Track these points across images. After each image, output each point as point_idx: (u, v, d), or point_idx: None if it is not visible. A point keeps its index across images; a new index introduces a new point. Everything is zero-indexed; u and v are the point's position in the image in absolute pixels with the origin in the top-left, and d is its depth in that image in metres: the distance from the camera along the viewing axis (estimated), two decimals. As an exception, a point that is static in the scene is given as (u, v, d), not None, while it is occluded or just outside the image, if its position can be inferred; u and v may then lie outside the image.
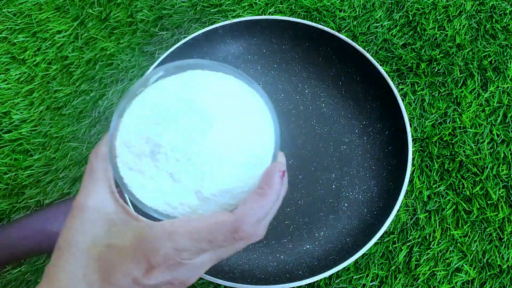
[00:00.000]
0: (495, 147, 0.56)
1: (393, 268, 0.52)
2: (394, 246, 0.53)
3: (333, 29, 0.57)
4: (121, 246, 0.31)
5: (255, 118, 0.33)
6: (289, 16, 0.61)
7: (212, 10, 0.63)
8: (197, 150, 0.31)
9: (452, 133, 0.57)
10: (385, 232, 0.52)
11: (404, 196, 0.50)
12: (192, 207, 0.32)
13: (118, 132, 0.33)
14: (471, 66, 0.60)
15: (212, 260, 0.31)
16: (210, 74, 0.34)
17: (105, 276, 0.31)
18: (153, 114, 0.33)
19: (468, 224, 0.53)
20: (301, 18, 0.60)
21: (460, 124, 0.57)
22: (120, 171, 0.33)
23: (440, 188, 0.55)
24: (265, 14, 0.63)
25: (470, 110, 0.58)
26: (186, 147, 0.31)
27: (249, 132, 0.32)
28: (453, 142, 0.57)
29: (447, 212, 0.54)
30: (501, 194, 0.54)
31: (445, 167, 0.55)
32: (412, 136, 0.55)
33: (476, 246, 0.52)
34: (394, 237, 0.53)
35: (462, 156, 0.56)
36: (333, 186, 0.54)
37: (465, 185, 0.54)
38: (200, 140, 0.31)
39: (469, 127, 0.57)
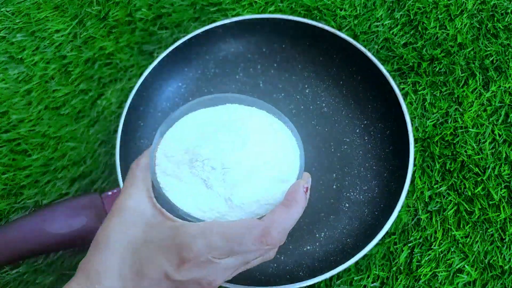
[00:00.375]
0: (497, 147, 0.56)
1: (394, 269, 0.51)
2: (395, 247, 0.52)
3: (334, 28, 0.57)
4: (156, 243, 0.33)
5: (284, 142, 0.37)
6: (289, 15, 0.60)
7: (211, 9, 0.63)
8: (232, 161, 0.34)
9: (454, 133, 0.57)
10: (386, 233, 0.52)
11: (405, 197, 0.50)
12: (221, 213, 0.35)
13: (159, 145, 0.37)
14: (473, 65, 0.60)
15: (239, 265, 0.34)
16: (246, 107, 0.39)
17: (138, 269, 0.33)
18: (193, 131, 0.37)
19: (470, 225, 0.53)
20: (302, 17, 0.59)
21: (462, 124, 0.57)
22: (158, 177, 0.36)
23: (441, 189, 0.54)
24: (265, 13, 0.62)
25: (471, 109, 0.58)
26: (222, 158, 0.34)
27: (278, 152, 0.37)
28: (454, 142, 0.56)
29: (449, 213, 0.53)
30: (503, 195, 0.54)
31: (447, 167, 0.55)
32: (414, 136, 0.55)
33: (478, 247, 0.52)
34: (395, 238, 0.53)
35: (464, 156, 0.55)
36: (334, 187, 0.54)
37: (467, 186, 0.54)
38: (236, 153, 0.35)
39: (471, 127, 0.57)
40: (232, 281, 0.46)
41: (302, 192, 0.35)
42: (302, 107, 0.57)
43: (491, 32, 0.62)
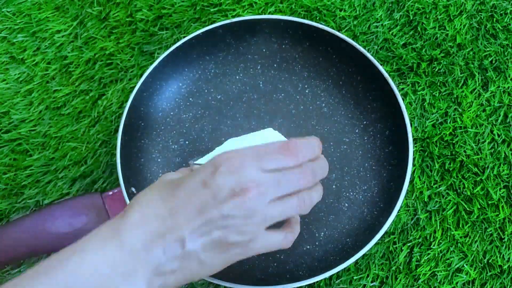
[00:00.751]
0: (496, 147, 0.56)
1: (393, 268, 0.52)
2: (394, 246, 0.52)
3: (334, 29, 0.57)
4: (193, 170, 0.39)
5: None
6: (289, 16, 0.61)
7: (212, 10, 0.63)
8: None
9: (453, 133, 0.57)
10: (386, 233, 0.52)
11: (405, 196, 0.50)
12: None
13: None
14: (472, 65, 0.60)
15: (274, 180, 0.36)
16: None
17: (176, 184, 0.36)
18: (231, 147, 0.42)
19: (469, 224, 0.53)
20: (301, 18, 0.59)
21: (461, 124, 0.57)
22: None
23: (440, 188, 0.55)
24: (265, 14, 0.63)
25: (470, 110, 0.58)
26: None
27: None
28: (453, 142, 0.56)
29: (448, 212, 0.53)
30: (502, 194, 0.54)
31: (446, 167, 0.55)
32: (413, 136, 0.55)
33: (477, 246, 0.52)
34: (395, 238, 0.53)
35: (463, 156, 0.56)
36: (334, 186, 0.54)
37: (466, 185, 0.54)
38: None
39: (470, 127, 0.57)
40: (231, 280, 0.46)
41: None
42: (302, 107, 0.57)
43: (490, 33, 0.62)
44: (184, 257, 0.35)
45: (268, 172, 0.35)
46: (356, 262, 0.52)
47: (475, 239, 0.53)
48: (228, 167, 0.35)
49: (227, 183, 0.35)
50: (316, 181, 0.39)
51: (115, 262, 0.34)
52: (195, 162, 0.41)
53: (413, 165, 0.55)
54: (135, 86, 0.54)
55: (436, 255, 0.52)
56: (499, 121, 0.57)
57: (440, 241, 0.52)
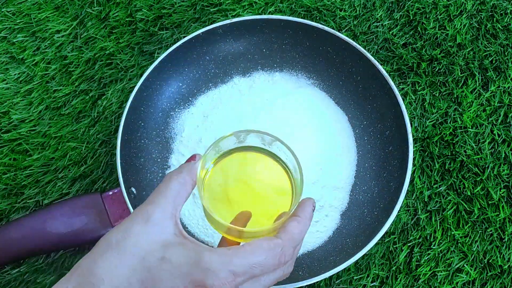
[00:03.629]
0: (496, 147, 0.56)
1: (393, 268, 0.52)
2: (394, 246, 0.52)
3: (334, 29, 0.57)
4: (175, 263, 0.31)
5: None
6: (289, 16, 0.61)
7: (212, 10, 0.63)
8: None
9: (453, 133, 0.57)
10: (386, 233, 0.52)
11: (405, 197, 0.50)
12: None
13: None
14: (472, 65, 0.60)
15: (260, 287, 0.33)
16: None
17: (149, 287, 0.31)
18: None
19: (469, 224, 0.53)
20: (301, 18, 0.59)
21: (461, 124, 0.57)
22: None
23: (441, 188, 0.54)
24: (265, 14, 0.62)
25: (471, 110, 0.58)
26: None
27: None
28: (454, 142, 0.56)
29: (448, 212, 0.53)
30: (502, 194, 0.54)
31: (446, 167, 0.55)
32: (413, 136, 0.55)
33: (477, 246, 0.52)
34: (395, 238, 0.53)
35: (463, 156, 0.56)
36: (334, 186, 0.54)
37: (466, 185, 0.54)
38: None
39: (470, 127, 0.57)
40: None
41: (311, 209, 0.36)
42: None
43: (490, 33, 0.62)
44: None
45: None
46: (356, 262, 0.52)
47: (475, 239, 0.52)
48: None
49: None
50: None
51: None
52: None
53: (413, 165, 0.55)
54: (135, 86, 0.54)
55: (436, 255, 0.52)
56: (499, 121, 0.57)
57: (440, 241, 0.52)
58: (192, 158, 0.37)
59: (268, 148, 0.40)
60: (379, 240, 0.48)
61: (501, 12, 0.63)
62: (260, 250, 0.32)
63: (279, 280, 0.35)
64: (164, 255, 0.32)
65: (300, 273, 0.49)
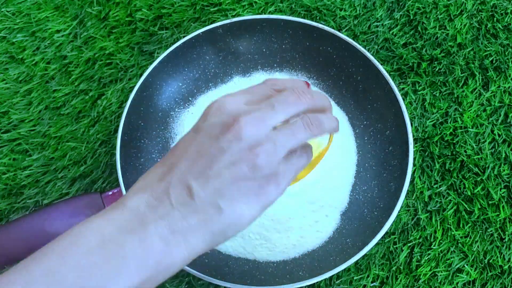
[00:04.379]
0: (496, 147, 0.56)
1: (394, 268, 0.52)
2: (395, 246, 0.52)
3: (334, 28, 0.57)
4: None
5: None
6: (289, 15, 0.60)
7: (211, 9, 0.63)
8: None
9: (453, 133, 0.57)
10: (386, 233, 0.52)
11: (405, 197, 0.50)
12: None
13: None
14: (472, 65, 0.60)
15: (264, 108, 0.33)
16: None
17: (172, 148, 0.33)
18: None
19: (469, 225, 0.53)
20: (302, 17, 0.59)
21: (461, 124, 0.57)
22: None
23: (441, 188, 0.54)
24: (265, 13, 0.62)
25: (471, 109, 0.58)
26: None
27: None
28: (454, 142, 0.56)
29: (448, 213, 0.53)
30: (503, 194, 0.54)
31: (446, 167, 0.55)
32: (413, 136, 0.55)
33: (477, 246, 0.52)
34: (395, 238, 0.53)
35: (463, 156, 0.56)
36: (334, 186, 0.54)
37: (466, 185, 0.54)
38: None
39: (470, 127, 0.57)
40: (231, 280, 0.46)
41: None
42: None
43: (491, 32, 0.62)
44: (198, 208, 0.31)
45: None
46: (357, 262, 0.51)
47: (476, 239, 0.52)
48: (218, 107, 0.32)
49: (218, 119, 0.31)
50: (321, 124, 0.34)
51: (120, 222, 0.30)
52: None
53: (414, 165, 0.55)
54: (135, 86, 0.54)
55: (437, 255, 0.52)
56: (499, 121, 0.57)
57: (441, 241, 0.52)
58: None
59: None
60: (379, 240, 0.47)
61: (502, 12, 0.63)
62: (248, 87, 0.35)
63: (328, 124, 0.34)
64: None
65: (300, 273, 0.49)
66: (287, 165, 0.33)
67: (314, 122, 0.33)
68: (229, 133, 0.31)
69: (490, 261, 0.52)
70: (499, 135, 0.57)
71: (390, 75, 0.55)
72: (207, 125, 0.32)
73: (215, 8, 0.63)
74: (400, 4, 0.64)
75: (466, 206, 0.54)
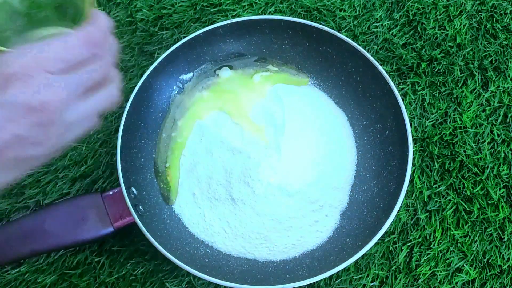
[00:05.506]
0: (496, 147, 0.56)
1: (393, 268, 0.52)
2: (394, 246, 0.53)
3: (333, 29, 0.57)
4: None
5: None
6: (289, 16, 0.61)
7: (212, 10, 0.63)
8: None
9: (453, 133, 0.57)
10: (386, 232, 0.52)
11: (405, 196, 0.50)
12: None
13: None
14: (472, 65, 0.60)
15: (75, 82, 0.30)
16: None
17: None
18: None
19: (469, 224, 0.53)
20: (301, 18, 0.60)
21: (461, 124, 0.57)
22: None
23: (440, 188, 0.55)
24: (265, 14, 0.63)
25: (470, 110, 0.58)
26: None
27: None
28: (453, 142, 0.56)
29: (448, 212, 0.53)
30: (502, 194, 0.54)
31: (446, 167, 0.55)
32: (413, 136, 0.55)
33: (477, 246, 0.52)
34: (395, 237, 0.53)
35: (463, 156, 0.56)
36: (333, 186, 0.54)
37: (466, 185, 0.54)
38: None
39: (470, 127, 0.57)
40: (231, 280, 0.46)
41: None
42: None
43: (490, 33, 0.62)
44: None
45: None
46: (356, 262, 0.52)
47: (475, 239, 0.53)
48: (22, 79, 0.28)
49: (21, 98, 0.28)
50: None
51: None
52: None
53: (413, 165, 0.55)
54: (135, 86, 0.54)
55: (436, 255, 0.52)
56: (499, 121, 0.57)
57: (440, 241, 0.52)
58: None
59: None
60: (379, 240, 0.48)
61: (501, 12, 0.63)
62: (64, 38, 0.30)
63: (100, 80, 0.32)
64: None
65: (300, 273, 0.49)
66: None
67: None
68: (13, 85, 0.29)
69: (490, 260, 0.52)
70: (498, 135, 0.57)
71: (389, 75, 0.55)
72: (11, 99, 0.29)
73: (215, 9, 0.63)
74: (400, 4, 0.64)
75: (465, 206, 0.54)
